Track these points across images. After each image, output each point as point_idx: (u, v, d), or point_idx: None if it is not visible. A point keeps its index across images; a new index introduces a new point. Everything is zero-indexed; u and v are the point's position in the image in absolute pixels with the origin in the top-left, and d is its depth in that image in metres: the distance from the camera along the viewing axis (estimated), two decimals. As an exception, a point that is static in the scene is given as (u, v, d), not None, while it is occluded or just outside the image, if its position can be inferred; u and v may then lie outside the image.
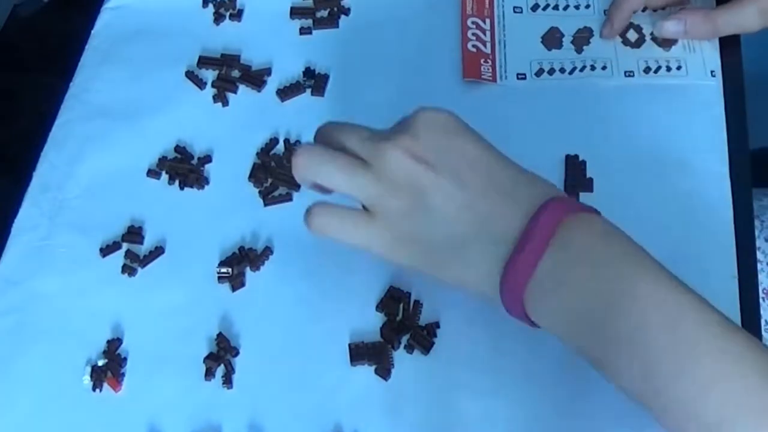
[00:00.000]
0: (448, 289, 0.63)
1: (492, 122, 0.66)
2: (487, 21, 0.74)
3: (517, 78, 0.71)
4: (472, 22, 0.74)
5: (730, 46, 0.71)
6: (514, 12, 0.75)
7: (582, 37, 0.72)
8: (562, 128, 0.68)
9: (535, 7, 0.75)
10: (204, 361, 0.63)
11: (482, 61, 0.72)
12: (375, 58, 0.74)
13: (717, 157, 0.66)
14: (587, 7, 0.74)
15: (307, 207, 0.57)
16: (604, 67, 0.71)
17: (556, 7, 0.74)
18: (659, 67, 0.70)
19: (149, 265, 0.67)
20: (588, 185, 0.65)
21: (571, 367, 0.59)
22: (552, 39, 0.73)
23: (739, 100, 0.68)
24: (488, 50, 0.72)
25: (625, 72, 0.70)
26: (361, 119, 0.71)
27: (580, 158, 0.66)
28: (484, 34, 0.73)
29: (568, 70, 0.71)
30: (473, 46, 0.72)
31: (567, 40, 0.72)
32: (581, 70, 0.71)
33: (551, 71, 0.71)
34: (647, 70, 0.70)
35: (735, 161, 0.65)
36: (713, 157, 0.66)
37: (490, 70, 0.71)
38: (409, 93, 0.72)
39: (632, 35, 0.72)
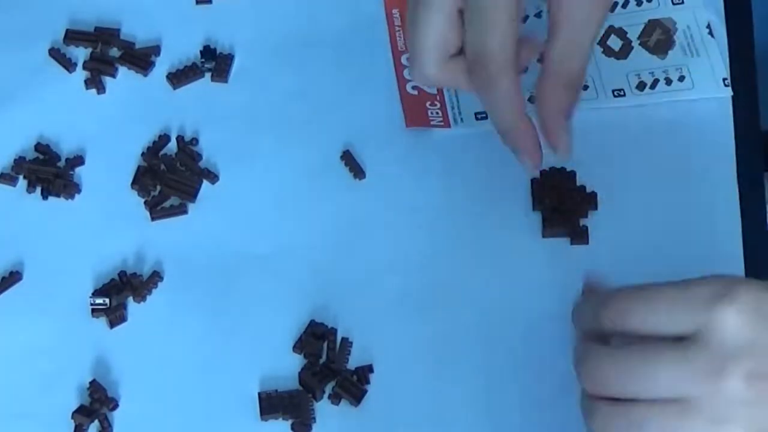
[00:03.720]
0: (383, 325, 0.65)
1: (451, 177, 0.70)
2: None
3: (477, 118, 0.71)
4: (408, 59, 0.69)
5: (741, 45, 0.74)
6: None
7: None
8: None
9: None
10: (73, 417, 0.63)
11: (428, 104, 0.72)
12: (292, 33, 0.76)
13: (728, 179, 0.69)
14: None
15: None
16: (585, 87, 0.71)
17: None
18: (656, 81, 0.72)
19: (2, 295, 0.67)
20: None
21: (527, 422, 0.62)
22: None
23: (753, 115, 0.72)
24: (433, 90, 0.73)
25: (614, 91, 0.71)
26: (273, 111, 0.73)
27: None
28: None
29: None
30: (413, 87, 0.73)
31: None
32: None
33: None
34: (641, 86, 0.72)
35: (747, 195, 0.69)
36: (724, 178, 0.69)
37: (440, 114, 0.72)
38: (336, 77, 0.74)
39: (615, 42, 0.73)
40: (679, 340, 0.51)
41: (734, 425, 0.51)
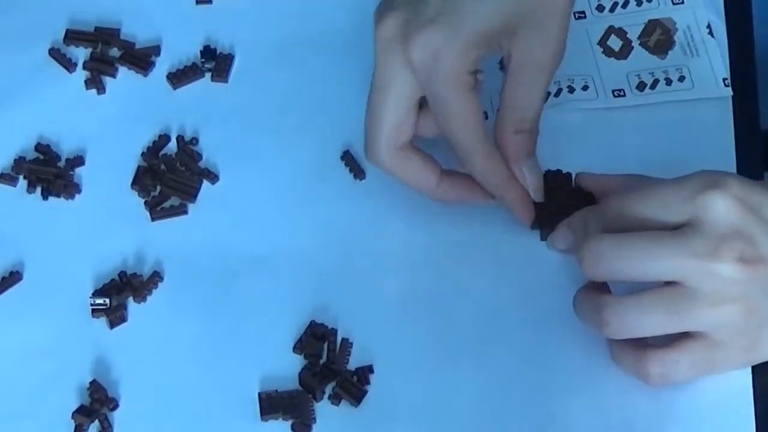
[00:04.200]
0: (383, 325, 0.65)
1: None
2: None
3: None
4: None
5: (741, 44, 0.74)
6: None
7: None
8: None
9: None
10: (73, 417, 0.63)
11: None
12: (292, 33, 0.76)
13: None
14: None
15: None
16: (585, 87, 0.72)
17: None
18: (656, 81, 0.72)
19: (2, 295, 0.68)
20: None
21: (527, 422, 0.62)
22: None
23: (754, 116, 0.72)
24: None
25: (614, 91, 0.71)
26: (273, 111, 0.73)
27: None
28: None
29: None
30: None
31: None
32: (556, 94, 0.72)
33: None
34: (641, 86, 0.72)
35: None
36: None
37: None
38: (336, 77, 0.74)
39: (615, 42, 0.73)
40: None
41: (730, 305, 0.57)
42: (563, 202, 0.67)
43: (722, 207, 0.56)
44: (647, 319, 0.58)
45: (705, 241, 0.56)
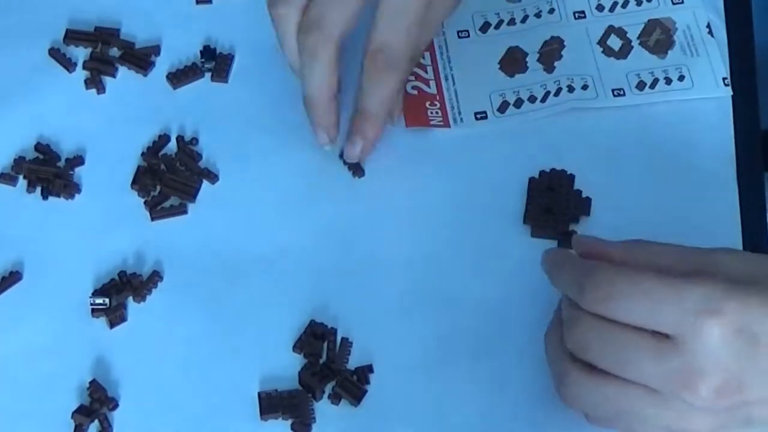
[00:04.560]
0: (383, 325, 0.65)
1: (451, 176, 0.70)
2: (426, 55, 0.74)
3: (476, 118, 0.72)
4: None
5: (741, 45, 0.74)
6: (459, 37, 0.75)
7: (551, 51, 0.74)
8: (536, 172, 0.70)
9: (485, 27, 0.75)
10: (73, 417, 0.63)
11: (427, 104, 0.73)
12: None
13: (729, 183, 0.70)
14: (551, 11, 0.75)
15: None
16: (585, 87, 0.72)
17: (512, 22, 0.75)
18: (656, 80, 0.72)
19: (2, 295, 0.68)
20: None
21: (527, 422, 0.62)
22: (513, 62, 0.74)
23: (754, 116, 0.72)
24: (433, 90, 0.73)
25: (613, 90, 0.72)
26: (273, 111, 0.73)
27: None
28: (425, 71, 0.74)
29: (539, 98, 0.72)
30: (413, 87, 0.73)
31: (532, 59, 0.73)
32: (556, 94, 0.72)
33: (518, 102, 0.72)
34: (641, 85, 0.72)
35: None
36: (724, 178, 0.70)
37: (440, 114, 0.72)
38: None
39: (615, 42, 0.74)
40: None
41: (696, 423, 0.54)
42: (560, 203, 0.67)
43: (713, 339, 0.52)
44: (605, 405, 0.56)
45: (687, 365, 0.52)
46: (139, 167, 0.71)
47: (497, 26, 0.75)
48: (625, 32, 0.74)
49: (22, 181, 0.71)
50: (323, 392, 0.64)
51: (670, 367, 0.53)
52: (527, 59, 0.74)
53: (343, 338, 0.65)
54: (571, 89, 0.72)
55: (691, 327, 0.52)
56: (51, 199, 0.71)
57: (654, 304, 0.53)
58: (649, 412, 0.54)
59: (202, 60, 0.75)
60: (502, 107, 0.72)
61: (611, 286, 0.54)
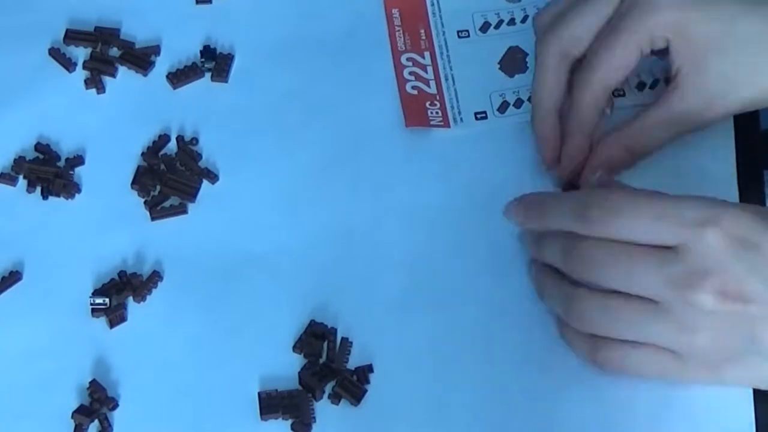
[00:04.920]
0: (383, 325, 0.65)
1: (451, 176, 0.70)
2: (427, 55, 0.75)
3: (476, 118, 0.72)
4: (408, 59, 0.75)
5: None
6: (459, 37, 0.75)
7: None
8: (536, 172, 0.70)
9: (485, 27, 0.76)
10: (73, 417, 0.63)
11: (427, 104, 0.73)
12: (292, 33, 0.76)
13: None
14: None
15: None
16: None
17: (511, 22, 0.75)
18: (656, 81, 0.72)
19: (2, 295, 0.68)
20: None
21: (528, 421, 0.62)
22: (513, 62, 0.74)
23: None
24: (433, 90, 0.73)
25: (614, 91, 0.71)
26: (273, 111, 0.73)
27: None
28: (425, 71, 0.74)
29: None
30: (413, 87, 0.73)
31: (532, 59, 0.72)
32: None
33: (518, 102, 0.72)
34: (641, 86, 0.72)
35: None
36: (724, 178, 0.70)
37: (440, 114, 0.72)
38: (336, 77, 0.74)
39: None
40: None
41: (699, 335, 0.56)
42: None
43: (714, 246, 0.55)
44: (608, 323, 0.58)
45: (688, 271, 0.55)
46: (139, 167, 0.71)
47: (497, 26, 0.75)
48: None
49: (22, 181, 0.72)
50: (323, 392, 0.64)
51: (675, 271, 0.55)
52: (527, 60, 0.74)
53: (343, 338, 0.65)
54: None
55: (694, 235, 0.55)
56: (51, 199, 0.71)
57: (656, 218, 0.56)
58: (653, 328, 0.57)
59: (202, 60, 0.75)
60: (502, 107, 0.72)
61: (613, 203, 0.57)
